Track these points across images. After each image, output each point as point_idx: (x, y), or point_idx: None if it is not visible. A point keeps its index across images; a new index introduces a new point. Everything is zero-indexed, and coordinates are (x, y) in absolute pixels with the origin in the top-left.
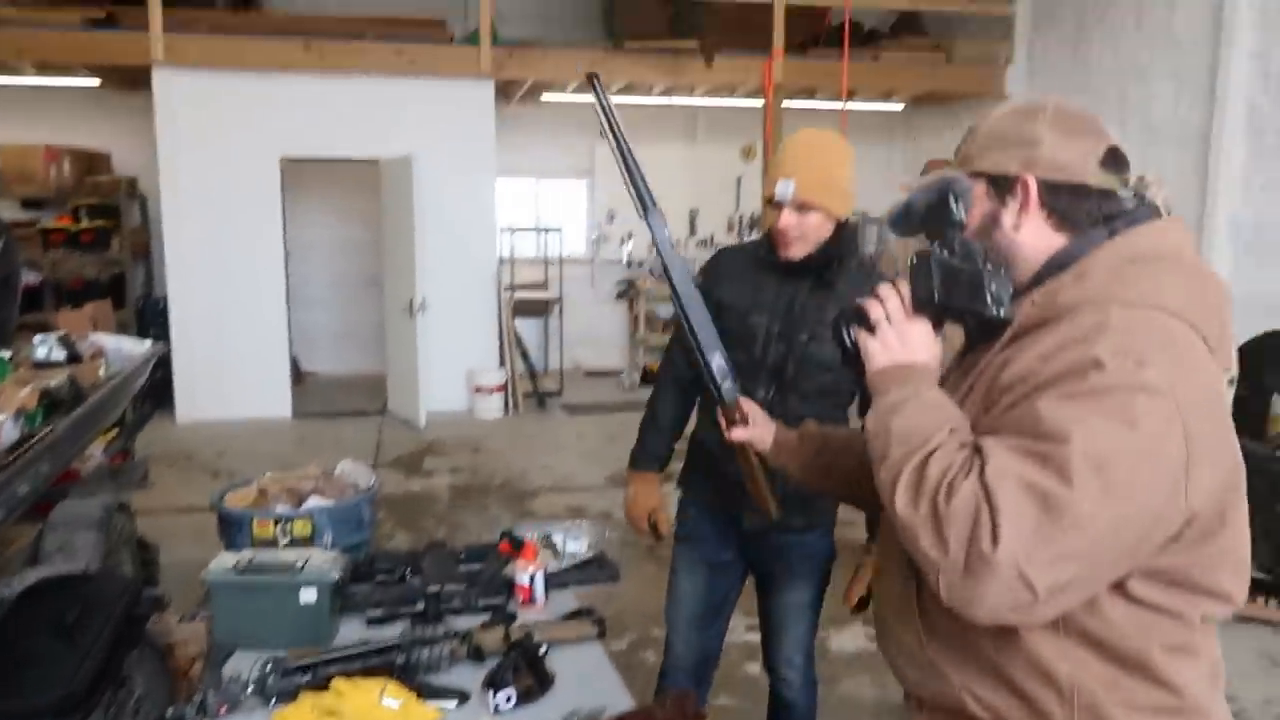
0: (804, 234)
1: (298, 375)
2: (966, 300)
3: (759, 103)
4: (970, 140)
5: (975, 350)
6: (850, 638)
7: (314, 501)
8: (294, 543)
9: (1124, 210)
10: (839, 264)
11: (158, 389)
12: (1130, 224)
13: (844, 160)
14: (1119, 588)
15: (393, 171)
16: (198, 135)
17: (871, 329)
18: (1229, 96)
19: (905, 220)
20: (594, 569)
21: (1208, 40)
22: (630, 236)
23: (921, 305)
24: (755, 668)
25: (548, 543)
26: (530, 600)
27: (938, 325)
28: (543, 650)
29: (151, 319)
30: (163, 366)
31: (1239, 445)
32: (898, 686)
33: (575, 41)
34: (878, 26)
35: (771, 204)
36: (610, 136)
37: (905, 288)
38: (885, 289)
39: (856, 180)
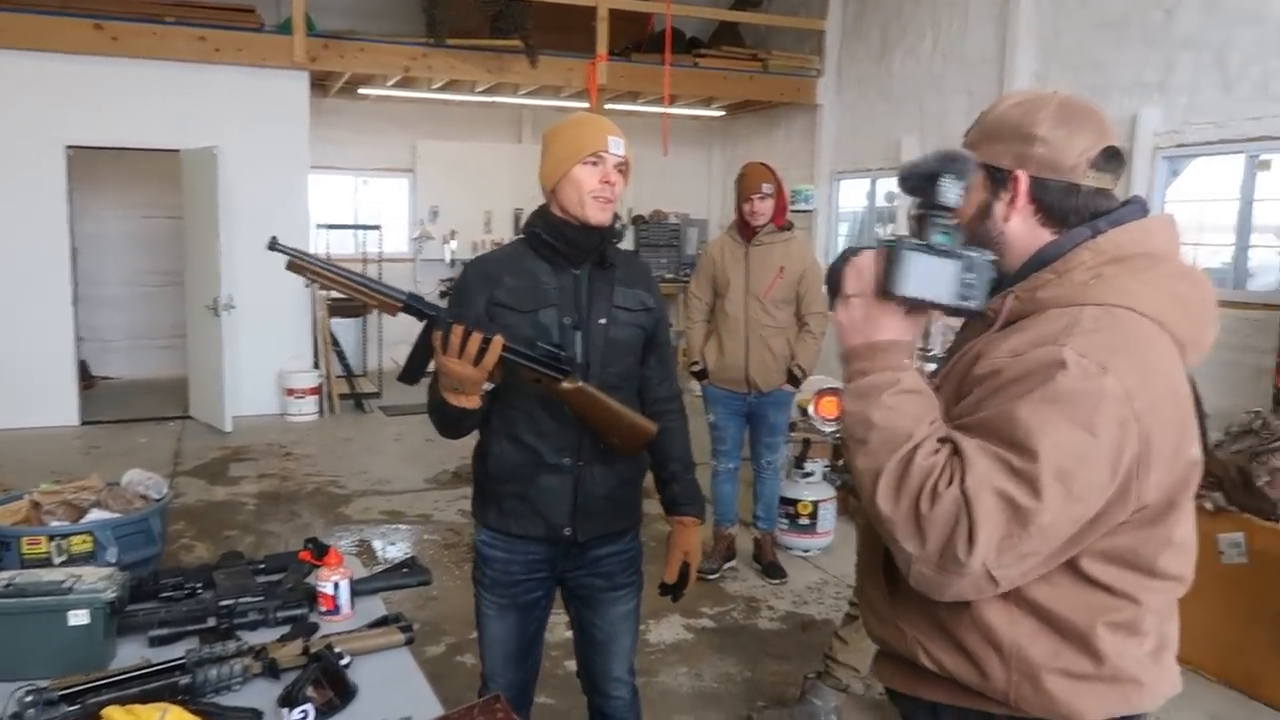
0: (616, 197)
1: (87, 379)
2: (930, 291)
3: (584, 104)
4: (977, 127)
5: (964, 330)
6: (668, 628)
7: (95, 515)
8: (71, 561)
9: (1111, 208)
10: (612, 243)
11: None
12: (1114, 223)
13: None
14: (1072, 567)
15: (195, 163)
16: None
17: (845, 298)
18: None
19: (908, 180)
20: (404, 574)
21: (994, 60)
22: (454, 234)
23: (884, 293)
24: (573, 664)
25: (364, 547)
26: (334, 610)
27: (906, 310)
28: (345, 661)
29: None
30: None
31: (1199, 440)
32: (714, 675)
33: (395, 35)
34: (698, 35)
35: (588, 163)
36: (337, 283)
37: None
38: (865, 260)
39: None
